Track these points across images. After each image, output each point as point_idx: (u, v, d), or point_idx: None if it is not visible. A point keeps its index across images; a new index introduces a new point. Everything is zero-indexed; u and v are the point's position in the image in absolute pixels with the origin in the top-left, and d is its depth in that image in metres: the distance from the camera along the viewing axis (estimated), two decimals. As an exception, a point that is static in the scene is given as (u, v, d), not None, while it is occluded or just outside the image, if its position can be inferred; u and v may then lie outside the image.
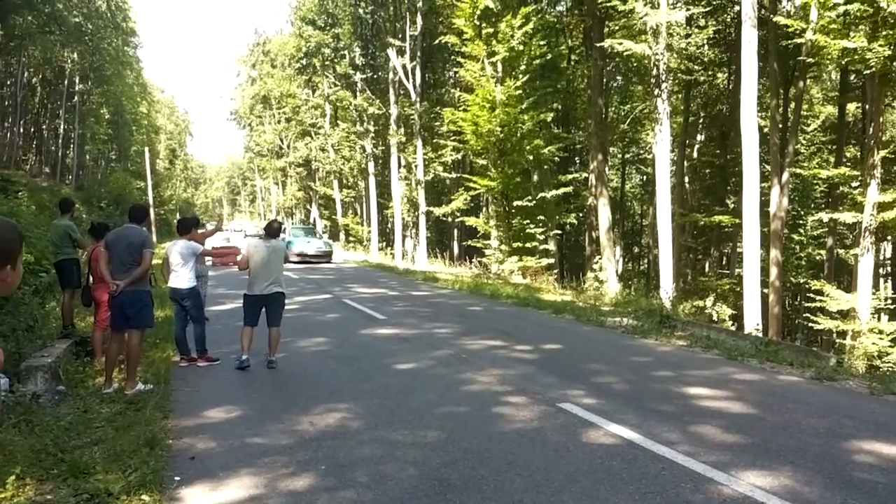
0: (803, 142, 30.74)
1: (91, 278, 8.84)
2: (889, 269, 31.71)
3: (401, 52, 35.12)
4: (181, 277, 8.83)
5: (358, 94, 42.40)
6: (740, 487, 4.72)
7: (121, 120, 57.56)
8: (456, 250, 40.95)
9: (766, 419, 6.47)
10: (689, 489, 4.71)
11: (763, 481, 4.85)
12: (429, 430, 6.07)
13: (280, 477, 4.98)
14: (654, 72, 20.79)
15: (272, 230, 9.20)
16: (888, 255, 30.79)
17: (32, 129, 48.98)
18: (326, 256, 30.61)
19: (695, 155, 33.89)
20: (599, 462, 5.25)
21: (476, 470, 5.10)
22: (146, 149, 57.60)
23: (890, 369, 13.58)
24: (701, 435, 5.92)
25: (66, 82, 46.71)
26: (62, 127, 48.34)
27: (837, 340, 19.03)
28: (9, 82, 42.12)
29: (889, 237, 22.38)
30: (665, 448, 5.53)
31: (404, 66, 34.97)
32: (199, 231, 10.37)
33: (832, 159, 28.89)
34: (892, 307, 23.89)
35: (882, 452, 5.51)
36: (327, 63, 45.48)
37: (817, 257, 30.94)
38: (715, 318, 23.30)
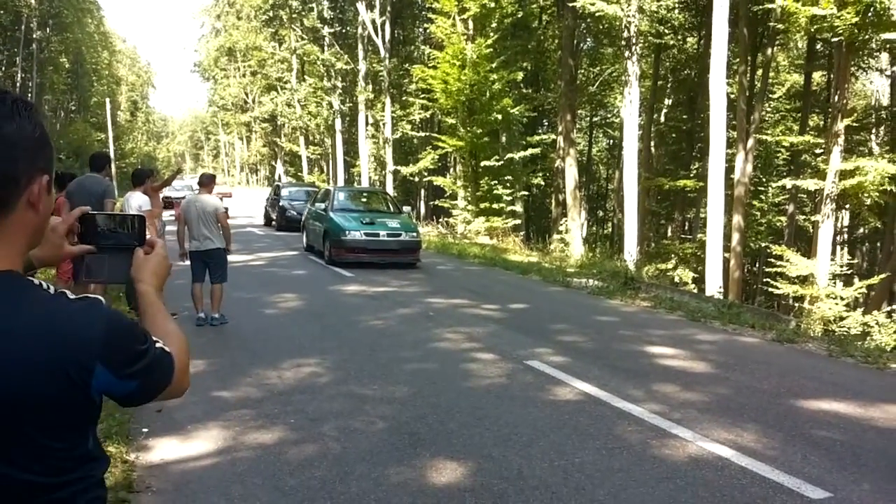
0: (768, 109, 30.99)
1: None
2: (845, 236, 32.38)
3: (370, 6, 34.47)
4: None
5: (326, 48, 41.62)
6: (704, 444, 4.82)
7: (81, 70, 55.77)
8: (423, 210, 40.84)
9: (728, 378, 6.59)
10: (656, 445, 4.79)
11: (726, 438, 4.95)
12: (398, 386, 6.09)
13: (249, 430, 4.96)
14: (626, 34, 20.72)
15: (204, 181, 8.96)
16: (846, 223, 31.42)
17: (-13, 77, 47.34)
18: (410, 252, 14.95)
19: (662, 119, 34.02)
20: (567, 418, 5.32)
21: (445, 424, 5.14)
22: (107, 100, 56.06)
23: (845, 333, 13.99)
24: (666, 393, 6.02)
25: (23, 29, 45.04)
26: (19, 76, 46.77)
27: (796, 305, 19.43)
28: (-39, 28, 40.62)
29: (847, 205, 22.78)
30: (631, 405, 5.62)
31: (374, 21, 34.35)
32: (154, 183, 10.00)
33: (796, 127, 29.20)
34: (848, 273, 24.51)
35: (840, 412, 5.66)
36: (295, 16, 44.48)
37: (777, 224, 31.41)
38: (677, 281, 23.63)
